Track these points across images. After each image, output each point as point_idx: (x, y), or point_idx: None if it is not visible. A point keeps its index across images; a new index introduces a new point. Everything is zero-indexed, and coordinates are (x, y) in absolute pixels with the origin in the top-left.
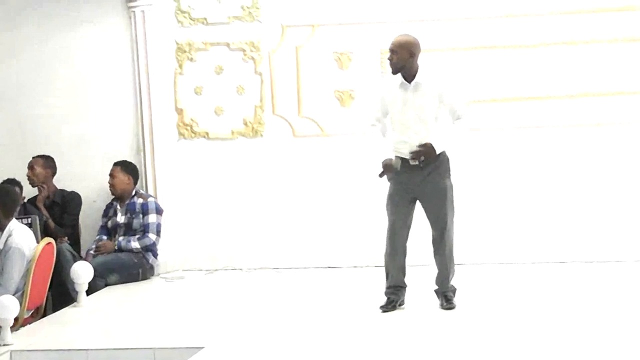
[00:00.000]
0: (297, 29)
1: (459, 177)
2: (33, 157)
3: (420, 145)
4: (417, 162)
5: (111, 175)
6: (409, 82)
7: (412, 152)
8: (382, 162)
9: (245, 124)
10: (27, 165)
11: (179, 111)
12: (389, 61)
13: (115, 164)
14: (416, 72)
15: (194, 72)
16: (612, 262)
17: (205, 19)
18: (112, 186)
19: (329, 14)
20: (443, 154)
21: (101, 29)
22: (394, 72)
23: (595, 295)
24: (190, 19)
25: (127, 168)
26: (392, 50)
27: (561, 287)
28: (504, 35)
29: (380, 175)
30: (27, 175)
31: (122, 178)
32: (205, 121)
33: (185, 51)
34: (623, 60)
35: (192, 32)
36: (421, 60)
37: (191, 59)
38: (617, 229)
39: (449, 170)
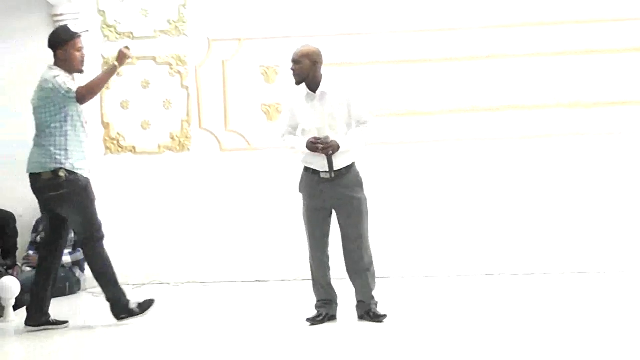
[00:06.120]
0: (223, 42)
1: (390, 189)
2: None
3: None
4: (328, 175)
5: None
6: (314, 91)
7: (316, 139)
8: (312, 142)
9: (172, 138)
10: None
11: (106, 125)
12: (292, 71)
13: None
14: (320, 81)
15: (120, 87)
16: (538, 275)
17: (131, 33)
18: None
19: (256, 28)
20: (353, 167)
21: (26, 43)
22: (298, 83)
23: (520, 307)
24: (117, 33)
25: None
26: (294, 61)
27: (489, 300)
28: (440, 48)
29: (329, 158)
30: None
31: None
32: (132, 136)
33: None
34: (549, 73)
35: (119, 46)
36: (325, 71)
37: (118, 73)
38: (538, 240)
39: (362, 184)
